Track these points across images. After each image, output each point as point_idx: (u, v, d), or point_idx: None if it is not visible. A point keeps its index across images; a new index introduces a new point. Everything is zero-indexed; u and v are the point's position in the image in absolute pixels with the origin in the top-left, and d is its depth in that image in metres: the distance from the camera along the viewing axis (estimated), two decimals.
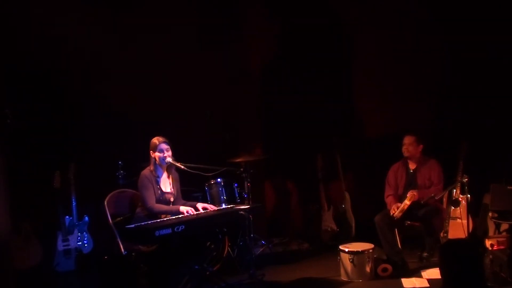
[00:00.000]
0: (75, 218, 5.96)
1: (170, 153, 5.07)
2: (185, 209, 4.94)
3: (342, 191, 6.90)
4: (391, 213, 5.46)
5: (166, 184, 5.15)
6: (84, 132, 6.46)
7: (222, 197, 5.99)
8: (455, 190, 5.62)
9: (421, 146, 5.69)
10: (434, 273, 5.19)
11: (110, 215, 5.06)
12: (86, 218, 6.01)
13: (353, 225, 6.73)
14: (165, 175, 5.15)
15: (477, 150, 5.75)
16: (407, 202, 5.40)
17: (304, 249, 6.64)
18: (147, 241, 4.70)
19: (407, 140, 5.69)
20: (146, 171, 5.05)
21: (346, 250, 5.31)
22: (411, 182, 5.70)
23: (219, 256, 5.61)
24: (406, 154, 5.71)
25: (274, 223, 7.25)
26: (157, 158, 5.04)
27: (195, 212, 4.96)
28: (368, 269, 5.28)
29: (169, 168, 5.16)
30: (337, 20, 7.07)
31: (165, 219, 4.85)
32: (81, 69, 6.43)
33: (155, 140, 5.07)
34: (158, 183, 5.06)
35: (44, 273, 5.77)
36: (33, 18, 6.19)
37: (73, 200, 5.97)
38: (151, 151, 5.06)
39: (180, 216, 4.88)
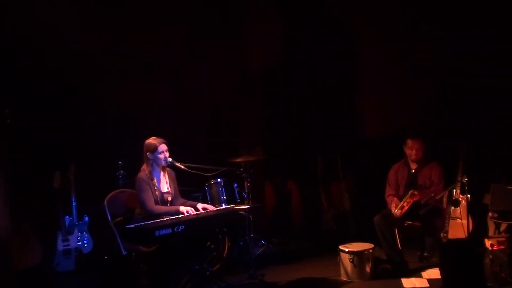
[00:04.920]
0: (75, 218, 5.96)
1: (168, 153, 5.07)
2: (185, 209, 4.94)
3: (342, 191, 6.90)
4: (393, 211, 5.45)
5: (163, 184, 5.14)
6: (84, 132, 6.46)
7: (222, 197, 5.98)
8: (455, 190, 5.61)
9: (424, 147, 5.68)
10: (434, 273, 5.20)
11: (110, 215, 5.06)
12: (86, 218, 6.02)
13: (353, 225, 6.72)
14: (161, 175, 5.13)
15: (477, 150, 5.74)
16: (408, 200, 5.39)
17: (304, 249, 6.63)
18: (147, 241, 4.69)
19: (416, 145, 5.60)
20: (142, 174, 5.01)
21: (346, 250, 5.31)
22: (412, 182, 5.69)
23: (219, 256, 5.61)
24: (414, 158, 5.65)
25: (274, 223, 7.25)
26: (157, 159, 5.03)
27: (195, 212, 4.96)
28: (368, 269, 5.27)
29: (164, 167, 5.14)
30: (339, 23, 7.07)
31: (165, 219, 4.84)
32: (82, 69, 6.44)
33: (153, 141, 5.03)
34: (155, 184, 5.05)
35: (44, 273, 5.77)
36: (33, 18, 6.18)
37: (73, 200, 5.97)
38: (148, 153, 5.02)
39: (180, 216, 4.87)
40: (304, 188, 7.32)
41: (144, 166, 5.06)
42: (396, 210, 5.40)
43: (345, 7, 6.96)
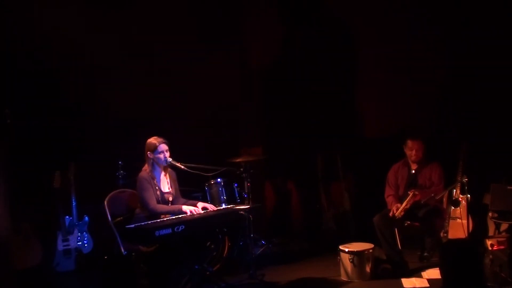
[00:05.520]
0: (75, 218, 5.96)
1: (168, 153, 5.07)
2: (188, 209, 4.94)
3: (342, 191, 6.90)
4: (391, 214, 5.44)
5: (165, 184, 5.14)
6: (84, 132, 6.46)
7: (222, 197, 5.99)
8: (455, 190, 5.61)
9: (424, 147, 5.68)
10: (434, 273, 5.20)
11: (110, 215, 5.06)
12: (86, 218, 6.02)
13: (353, 225, 6.72)
14: (162, 175, 5.14)
15: (477, 150, 5.74)
16: (409, 200, 5.39)
17: (304, 249, 6.63)
18: (147, 241, 4.69)
19: (416, 145, 5.60)
20: (143, 173, 5.02)
21: (346, 250, 5.31)
22: (412, 183, 5.69)
23: (219, 256, 5.61)
24: (414, 159, 5.65)
25: (274, 223, 7.25)
26: (157, 159, 5.03)
27: (197, 212, 4.95)
28: (368, 269, 5.27)
29: (166, 167, 5.15)
30: (339, 23, 7.07)
31: (165, 219, 4.84)
32: (81, 69, 6.44)
33: (153, 140, 5.04)
34: (156, 184, 5.05)
35: (44, 273, 5.77)
36: (33, 18, 6.18)
37: (73, 200, 5.97)
38: (148, 152, 5.04)
39: (180, 216, 4.87)
40: (304, 188, 7.32)
41: (146, 166, 5.07)
42: (398, 212, 5.39)
43: (345, 7, 6.96)
